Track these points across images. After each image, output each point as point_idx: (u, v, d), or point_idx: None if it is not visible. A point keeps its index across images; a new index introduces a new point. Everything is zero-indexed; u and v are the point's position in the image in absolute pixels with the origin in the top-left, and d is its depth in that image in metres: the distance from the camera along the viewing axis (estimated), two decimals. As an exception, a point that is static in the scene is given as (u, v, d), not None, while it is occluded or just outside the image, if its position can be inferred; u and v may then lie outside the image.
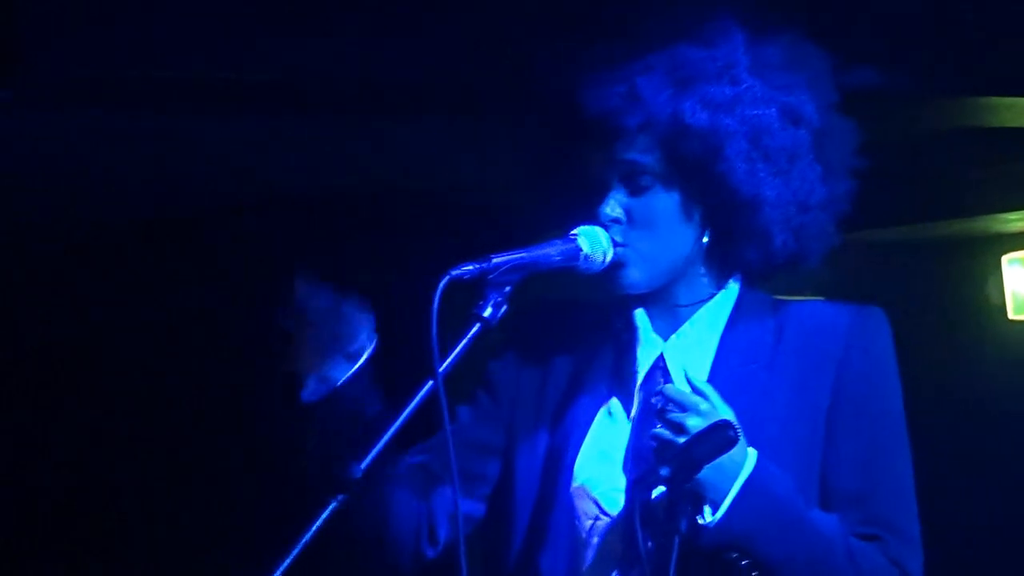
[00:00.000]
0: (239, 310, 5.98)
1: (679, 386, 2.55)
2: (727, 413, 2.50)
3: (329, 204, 5.72)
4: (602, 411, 2.69)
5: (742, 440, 2.48)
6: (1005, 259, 6.29)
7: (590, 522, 2.64)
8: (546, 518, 2.66)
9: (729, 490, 2.49)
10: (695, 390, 2.52)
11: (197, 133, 4.60)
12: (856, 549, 2.57)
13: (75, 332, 6.27)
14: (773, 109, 2.65)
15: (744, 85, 2.65)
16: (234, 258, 5.92)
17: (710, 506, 2.49)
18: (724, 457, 2.46)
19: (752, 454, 2.52)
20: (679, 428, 2.48)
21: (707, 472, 2.46)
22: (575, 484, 2.65)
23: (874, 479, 2.61)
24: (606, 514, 2.62)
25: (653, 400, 2.59)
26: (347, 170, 5.33)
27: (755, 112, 2.64)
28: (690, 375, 2.55)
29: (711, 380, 2.59)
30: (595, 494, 2.64)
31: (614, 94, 2.63)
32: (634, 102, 2.63)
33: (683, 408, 2.49)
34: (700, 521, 2.48)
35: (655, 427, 2.52)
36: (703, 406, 2.49)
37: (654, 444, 2.49)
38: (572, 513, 2.64)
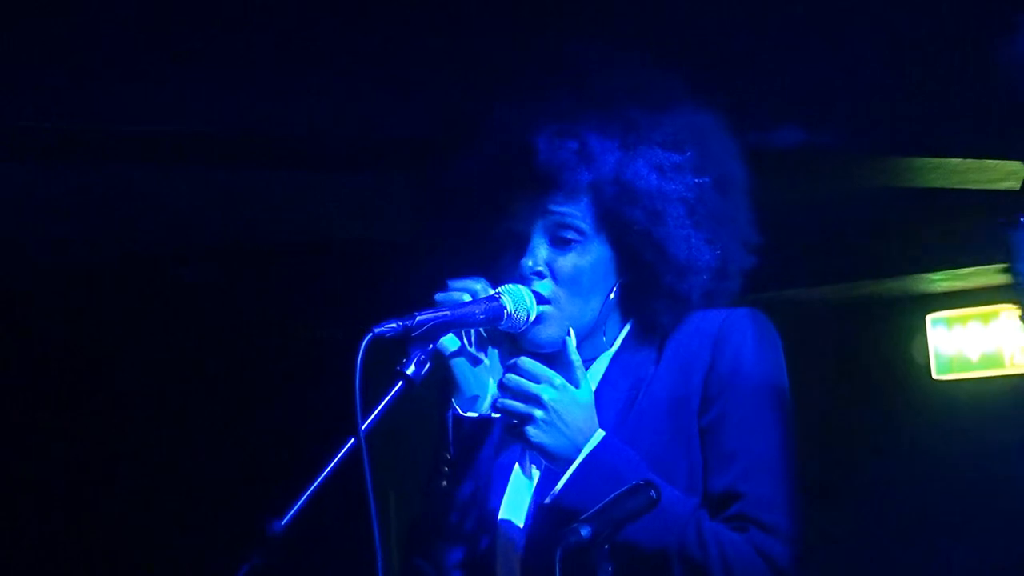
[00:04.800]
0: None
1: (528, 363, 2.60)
2: (586, 389, 2.58)
3: (262, 255, 5.70)
4: (516, 467, 2.72)
5: (594, 419, 2.58)
6: (929, 319, 6.35)
7: (508, 571, 2.66)
8: (478, 567, 2.68)
9: (573, 461, 2.56)
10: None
11: (134, 184, 4.60)
12: (708, 531, 2.56)
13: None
14: (708, 179, 2.69)
15: (688, 153, 2.68)
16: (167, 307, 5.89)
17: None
18: (571, 435, 2.56)
19: (600, 433, 2.58)
20: (531, 398, 2.54)
21: (559, 445, 2.56)
22: (498, 535, 2.67)
23: (740, 476, 2.60)
24: (522, 561, 2.64)
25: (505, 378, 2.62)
26: (277, 222, 5.33)
27: (695, 180, 2.67)
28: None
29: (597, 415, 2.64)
30: (512, 542, 2.66)
31: (566, 148, 2.64)
32: (584, 159, 2.64)
33: (536, 380, 2.56)
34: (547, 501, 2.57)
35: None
36: (557, 380, 2.57)
37: (511, 420, 2.57)
38: (495, 562, 2.67)
